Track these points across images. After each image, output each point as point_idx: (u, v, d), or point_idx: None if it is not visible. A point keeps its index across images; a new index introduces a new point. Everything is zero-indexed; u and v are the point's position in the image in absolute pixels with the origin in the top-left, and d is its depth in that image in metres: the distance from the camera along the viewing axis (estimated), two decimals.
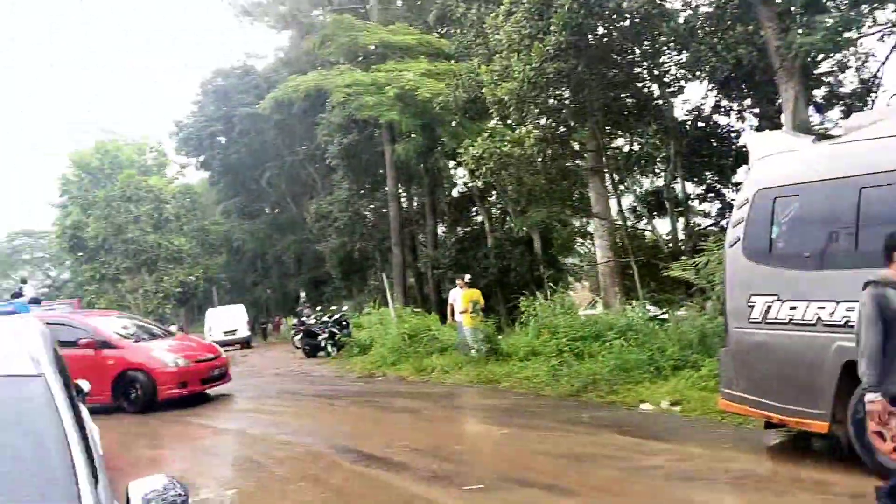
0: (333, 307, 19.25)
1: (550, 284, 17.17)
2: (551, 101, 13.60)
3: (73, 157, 19.87)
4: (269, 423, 9.83)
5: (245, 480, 7.06)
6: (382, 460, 7.01)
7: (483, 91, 14.38)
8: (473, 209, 29.36)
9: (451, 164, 29.89)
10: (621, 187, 17.49)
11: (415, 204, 30.26)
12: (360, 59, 22.79)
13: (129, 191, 18.89)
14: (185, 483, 2.46)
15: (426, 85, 17.92)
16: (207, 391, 11.93)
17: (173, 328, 16.59)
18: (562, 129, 14.74)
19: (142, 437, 9.26)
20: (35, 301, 21.17)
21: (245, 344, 26.22)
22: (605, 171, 15.60)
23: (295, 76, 20.93)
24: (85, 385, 6.39)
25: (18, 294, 23.13)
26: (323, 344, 17.73)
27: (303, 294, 30.88)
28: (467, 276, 14.25)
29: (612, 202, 16.48)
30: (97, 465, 2.53)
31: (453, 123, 20.12)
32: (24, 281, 24.34)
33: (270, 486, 6.65)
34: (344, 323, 17.83)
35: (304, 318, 20.52)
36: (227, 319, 25.66)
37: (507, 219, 27.86)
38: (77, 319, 12.34)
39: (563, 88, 13.44)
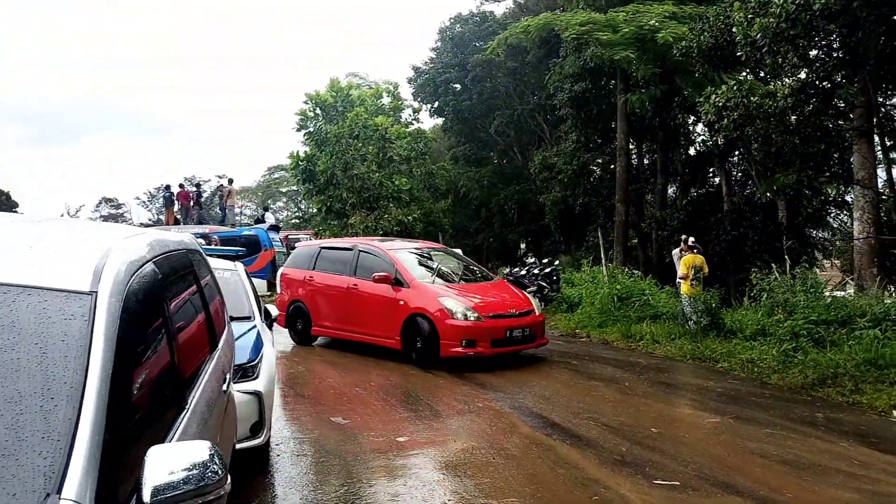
0: (545, 259, 18.66)
1: (792, 258, 15.14)
2: (813, 51, 11.69)
3: (309, 94, 21.15)
4: None
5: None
6: (566, 431, 6.46)
7: (734, 30, 12.71)
8: (710, 170, 27.13)
9: (690, 119, 27.80)
10: (893, 154, 14.88)
11: (645, 161, 28.63)
12: (602, 2, 21.54)
13: (357, 129, 19.56)
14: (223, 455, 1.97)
15: (668, 27, 16.32)
16: (515, 351, 10.21)
17: None
18: (824, 82, 12.69)
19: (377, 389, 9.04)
20: (274, 228, 23.19)
21: None
22: (875, 133, 13.25)
23: (527, 18, 20.25)
24: (273, 310, 6.69)
25: (260, 220, 25.65)
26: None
27: (522, 245, 30.77)
28: (691, 239, 12.90)
29: (880, 170, 14.06)
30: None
31: (696, 74, 18.33)
32: (266, 208, 26.94)
33: (435, 440, 6.42)
34: (554, 277, 17.18)
35: (516, 269, 20.31)
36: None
37: (749, 183, 25.36)
38: (378, 247, 11.70)
39: (831, 29, 11.45)
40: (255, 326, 5.75)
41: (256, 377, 5.23)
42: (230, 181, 24.57)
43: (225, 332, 4.12)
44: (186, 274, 3.26)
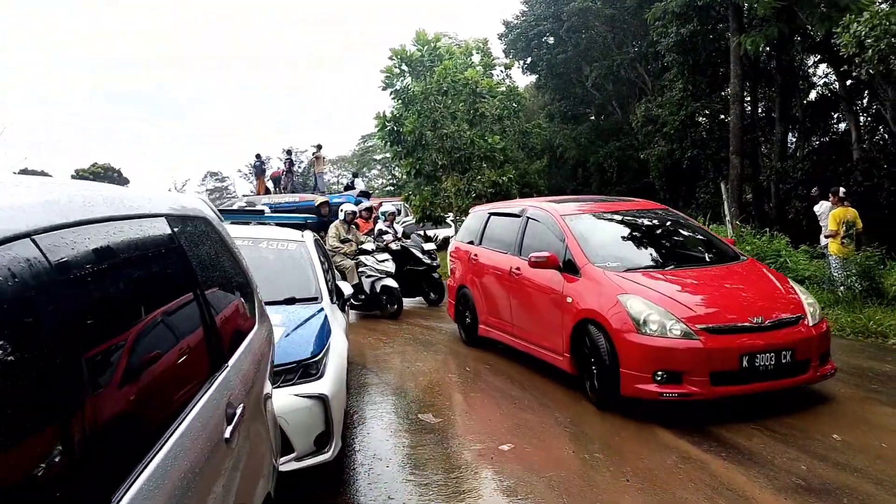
0: None
1: None
2: None
3: (394, 49, 19.95)
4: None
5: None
6: (716, 439, 5.24)
7: None
8: (834, 116, 24.62)
9: (810, 60, 25.22)
10: None
11: (759, 110, 26.29)
12: None
13: (446, 84, 18.34)
14: None
15: None
16: (760, 391, 5.69)
17: None
18: None
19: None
20: (364, 194, 22.50)
21: None
22: None
23: None
24: (345, 288, 5.82)
25: (350, 187, 25.16)
26: None
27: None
28: (842, 190, 11.02)
29: None
30: None
31: (822, 6, 16.23)
32: (355, 175, 26.39)
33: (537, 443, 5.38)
34: None
35: None
36: None
37: (880, 128, 22.79)
38: (547, 210, 7.80)
39: None
40: (321, 310, 4.92)
41: (321, 376, 4.32)
42: (319, 147, 23.97)
43: (251, 336, 3.01)
44: (155, 256, 2.08)
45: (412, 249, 12.41)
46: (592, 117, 33.96)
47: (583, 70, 30.71)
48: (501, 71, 27.67)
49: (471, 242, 9.32)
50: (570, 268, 6.74)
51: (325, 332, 4.59)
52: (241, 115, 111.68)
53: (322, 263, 5.86)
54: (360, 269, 11.40)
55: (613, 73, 29.61)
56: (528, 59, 32.11)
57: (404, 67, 20.32)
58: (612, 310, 5.97)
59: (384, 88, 20.06)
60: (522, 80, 35.99)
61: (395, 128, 18.63)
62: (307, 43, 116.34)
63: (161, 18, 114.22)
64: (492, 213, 9.23)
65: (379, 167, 64.53)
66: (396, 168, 61.17)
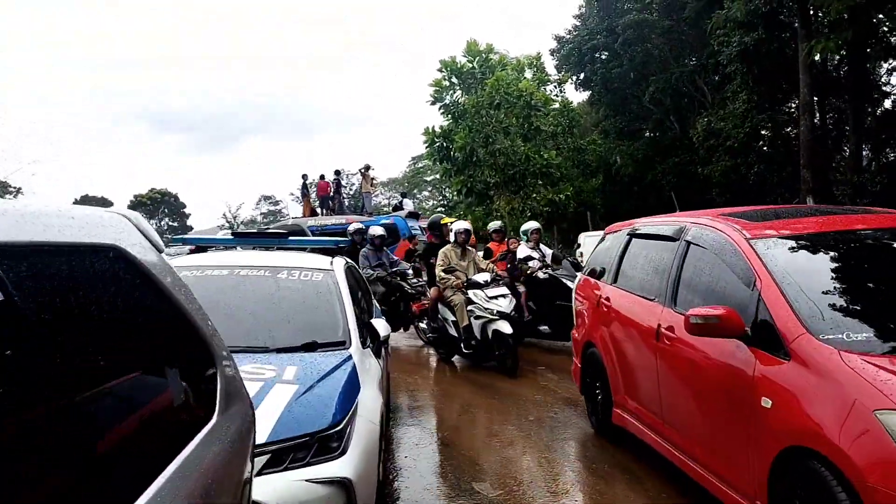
0: None
1: None
2: None
3: (444, 61, 19.15)
4: None
5: None
6: None
7: None
8: None
9: (883, 67, 23.82)
10: None
11: (828, 121, 24.86)
12: None
13: (499, 96, 17.45)
14: None
15: None
16: None
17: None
18: None
19: None
20: (413, 215, 21.83)
21: None
22: None
23: None
24: (381, 328, 4.52)
25: (398, 207, 24.51)
26: None
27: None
28: None
29: None
30: None
31: None
32: (403, 195, 25.72)
33: None
34: None
35: None
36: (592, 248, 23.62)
37: None
38: (725, 233, 4.33)
39: None
40: (348, 358, 3.89)
41: (343, 451, 3.26)
42: (367, 167, 23.38)
43: (196, 443, 1.75)
44: None
45: (564, 280, 9.54)
46: (649, 133, 32.79)
47: (639, 84, 29.69)
48: (555, 87, 26.90)
49: (601, 276, 6.29)
50: (766, 337, 3.53)
51: (351, 390, 3.58)
52: (296, 137, 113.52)
53: (356, 296, 4.94)
54: (468, 308, 8.71)
55: (671, 86, 28.52)
56: (582, 75, 31.25)
57: (454, 80, 19.44)
58: (859, 439, 2.84)
59: (433, 103, 19.20)
60: (575, 96, 35.13)
61: (445, 144, 17.87)
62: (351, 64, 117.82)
63: (214, 47, 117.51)
64: (633, 235, 5.98)
65: (430, 189, 64.19)
66: (447, 188, 60.88)
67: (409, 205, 23.12)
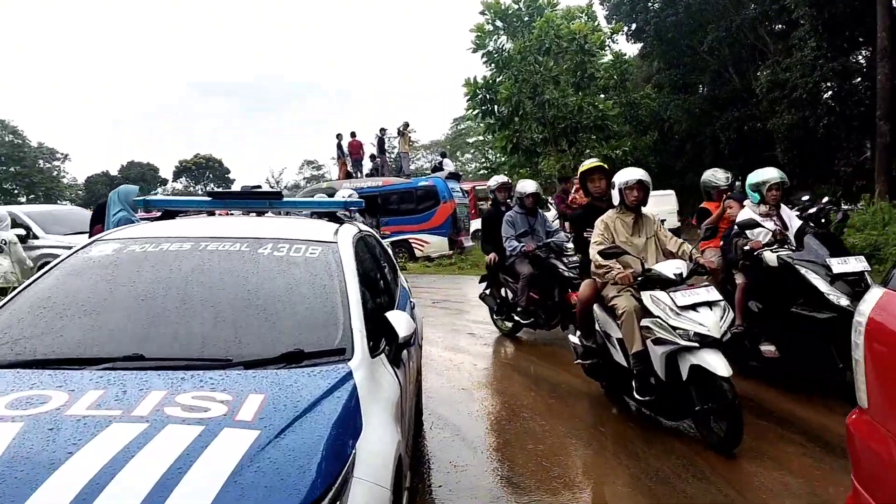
0: (805, 196, 14.53)
1: None
2: None
3: (486, 2, 17.22)
4: None
5: None
6: None
7: None
8: None
9: None
10: None
11: None
12: None
13: (548, 40, 15.75)
14: None
15: None
16: None
17: None
18: None
19: None
20: (454, 176, 20.62)
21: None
22: None
23: None
24: (401, 324, 3.02)
25: (438, 168, 23.30)
26: None
27: (738, 183, 26.23)
28: None
29: None
30: None
31: None
32: (443, 155, 24.46)
33: None
34: (823, 220, 12.99)
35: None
36: (653, 207, 22.04)
37: None
38: None
39: None
40: (347, 377, 2.51)
41: None
42: (406, 126, 21.84)
43: None
44: None
45: (803, 269, 5.62)
46: (705, 86, 30.91)
47: (695, 34, 27.81)
48: (607, 37, 25.19)
49: None
50: None
51: (345, 433, 2.23)
52: (339, 100, 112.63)
53: (369, 279, 3.59)
54: (643, 323, 4.92)
55: (731, 35, 26.62)
56: (633, 25, 29.45)
57: (498, 23, 17.39)
58: None
59: (475, 50, 17.15)
60: (627, 49, 33.27)
61: (488, 96, 16.03)
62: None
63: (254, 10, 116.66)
64: None
65: (472, 151, 62.68)
66: (490, 150, 59.11)
67: (449, 165, 21.78)
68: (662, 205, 22.23)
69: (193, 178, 75.07)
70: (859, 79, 22.16)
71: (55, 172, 66.84)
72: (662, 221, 12.43)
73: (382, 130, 22.46)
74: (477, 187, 27.29)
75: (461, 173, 25.67)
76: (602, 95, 17.62)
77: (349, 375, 2.53)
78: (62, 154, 68.83)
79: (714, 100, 28.99)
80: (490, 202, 9.22)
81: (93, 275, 3.17)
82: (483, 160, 60.38)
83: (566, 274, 7.66)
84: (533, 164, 16.84)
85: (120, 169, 73.72)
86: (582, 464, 4.63)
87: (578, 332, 5.84)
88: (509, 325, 8.71)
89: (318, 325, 2.89)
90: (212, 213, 4.46)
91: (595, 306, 5.53)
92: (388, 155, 23.28)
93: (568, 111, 15.33)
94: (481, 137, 59.61)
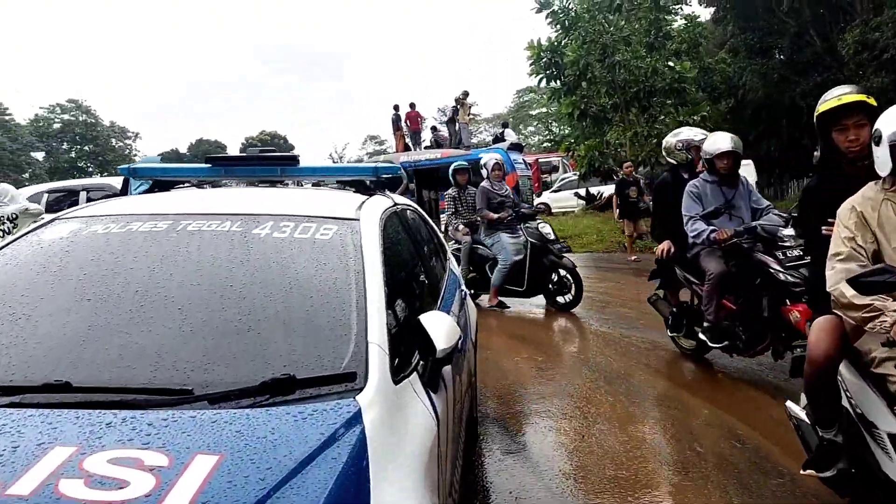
0: None
1: None
2: None
3: None
4: None
5: None
6: None
7: None
8: None
9: None
10: None
11: None
12: None
13: None
14: None
15: None
16: None
17: None
18: None
19: None
20: (517, 147, 19.76)
21: None
22: None
23: None
24: (441, 333, 2.21)
25: (499, 139, 22.35)
26: None
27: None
28: None
29: None
30: None
31: None
32: (505, 125, 23.53)
33: None
34: None
35: None
36: None
37: None
38: None
39: None
40: (354, 421, 1.69)
41: None
42: (465, 94, 20.70)
43: None
44: None
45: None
46: (783, 51, 29.10)
47: None
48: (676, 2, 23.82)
49: None
50: None
51: None
52: (403, 74, 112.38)
53: (402, 270, 2.88)
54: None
55: None
56: None
57: None
58: None
59: (538, 10, 15.72)
60: (699, 14, 31.54)
61: (553, 59, 14.66)
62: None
63: None
64: None
65: (535, 123, 61.39)
66: (553, 122, 57.56)
67: (511, 135, 20.75)
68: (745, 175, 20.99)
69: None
70: None
71: (127, 151, 68.79)
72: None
73: (457, 100, 21.29)
74: (541, 160, 26.25)
75: (524, 145, 24.71)
76: (675, 59, 16.22)
77: (357, 417, 1.69)
78: (133, 133, 70.87)
79: (793, 64, 27.29)
80: (667, 167, 6.79)
81: (34, 265, 2.39)
82: (546, 133, 59.14)
83: (782, 277, 5.11)
84: (603, 133, 15.65)
85: (189, 147, 75.32)
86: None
87: (806, 407, 3.28)
88: (692, 343, 6.29)
89: (320, 337, 2.04)
90: (201, 186, 3.61)
91: (843, 368, 2.97)
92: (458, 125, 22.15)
93: (641, 74, 13.92)
94: (545, 109, 58.27)
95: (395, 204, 3.25)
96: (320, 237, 2.46)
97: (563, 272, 8.87)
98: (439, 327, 2.19)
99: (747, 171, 23.12)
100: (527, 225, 9.05)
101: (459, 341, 2.28)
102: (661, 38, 15.01)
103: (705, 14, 31.08)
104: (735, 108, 28.14)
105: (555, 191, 26.38)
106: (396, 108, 21.52)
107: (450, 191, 9.75)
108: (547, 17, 15.42)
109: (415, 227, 3.61)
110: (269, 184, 3.57)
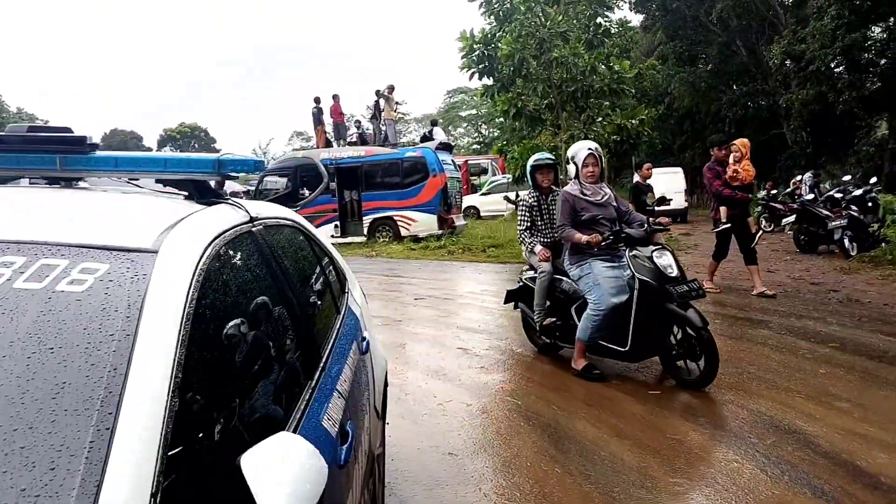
0: (845, 177, 13.31)
1: None
2: None
3: None
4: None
5: None
6: None
7: None
8: None
9: None
10: None
11: None
12: None
13: None
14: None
15: None
16: None
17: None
18: None
19: None
20: (446, 146, 18.84)
21: (681, 218, 21.71)
22: None
23: None
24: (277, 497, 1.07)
25: (427, 138, 21.41)
26: (837, 236, 11.32)
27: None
28: None
29: None
30: None
31: None
32: (434, 123, 22.60)
33: None
34: (870, 205, 11.65)
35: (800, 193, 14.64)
36: (661, 185, 20.29)
37: None
38: None
39: None
40: None
41: None
42: (391, 88, 19.63)
43: None
44: None
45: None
46: (710, 61, 29.38)
47: (702, 3, 26.27)
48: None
49: None
50: None
51: None
52: (331, 71, 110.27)
53: (226, 344, 1.44)
54: None
55: (740, 5, 25.09)
56: None
57: None
58: None
59: (480, 5, 14.53)
60: (631, 19, 31.70)
61: (487, 52, 13.71)
62: None
63: None
64: None
65: (465, 125, 60.91)
66: (483, 124, 57.11)
67: (440, 134, 19.63)
68: (671, 183, 20.83)
69: (178, 146, 73.13)
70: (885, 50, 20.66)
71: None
72: (669, 200, 10.61)
73: (378, 93, 20.19)
74: (470, 162, 25.38)
75: (454, 145, 23.78)
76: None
77: None
78: (42, 121, 66.63)
79: (720, 74, 27.57)
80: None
81: None
82: (476, 135, 58.68)
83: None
84: (535, 132, 14.82)
85: (102, 137, 71.50)
86: None
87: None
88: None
89: None
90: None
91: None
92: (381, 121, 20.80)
93: (578, 72, 13.10)
94: (475, 111, 57.79)
95: (252, 220, 1.92)
96: (66, 289, 1.21)
97: (688, 328, 5.22)
98: (279, 485, 1.11)
99: (676, 178, 23.09)
100: (635, 252, 5.44)
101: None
102: (599, 35, 14.32)
103: (636, 20, 31.19)
104: (663, 114, 28.23)
105: (484, 194, 25.75)
106: (318, 100, 20.06)
107: (524, 196, 6.83)
108: (480, 7, 14.37)
109: (289, 253, 2.28)
110: (52, 182, 1.96)
